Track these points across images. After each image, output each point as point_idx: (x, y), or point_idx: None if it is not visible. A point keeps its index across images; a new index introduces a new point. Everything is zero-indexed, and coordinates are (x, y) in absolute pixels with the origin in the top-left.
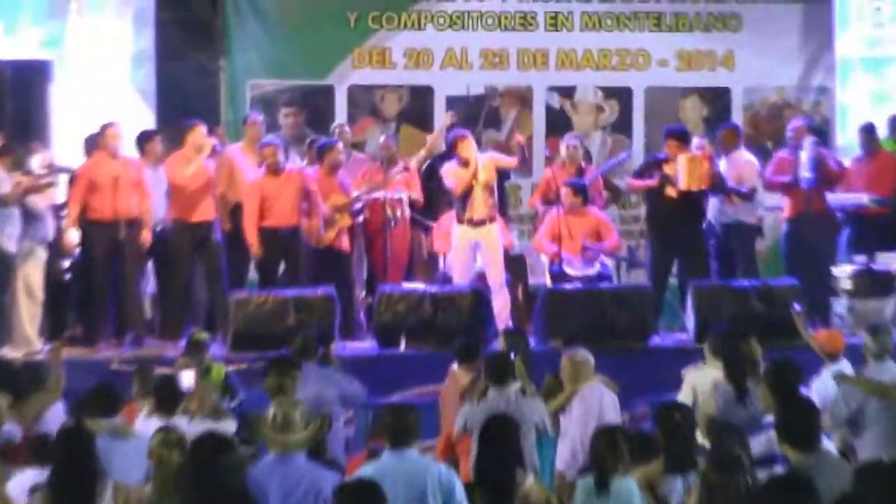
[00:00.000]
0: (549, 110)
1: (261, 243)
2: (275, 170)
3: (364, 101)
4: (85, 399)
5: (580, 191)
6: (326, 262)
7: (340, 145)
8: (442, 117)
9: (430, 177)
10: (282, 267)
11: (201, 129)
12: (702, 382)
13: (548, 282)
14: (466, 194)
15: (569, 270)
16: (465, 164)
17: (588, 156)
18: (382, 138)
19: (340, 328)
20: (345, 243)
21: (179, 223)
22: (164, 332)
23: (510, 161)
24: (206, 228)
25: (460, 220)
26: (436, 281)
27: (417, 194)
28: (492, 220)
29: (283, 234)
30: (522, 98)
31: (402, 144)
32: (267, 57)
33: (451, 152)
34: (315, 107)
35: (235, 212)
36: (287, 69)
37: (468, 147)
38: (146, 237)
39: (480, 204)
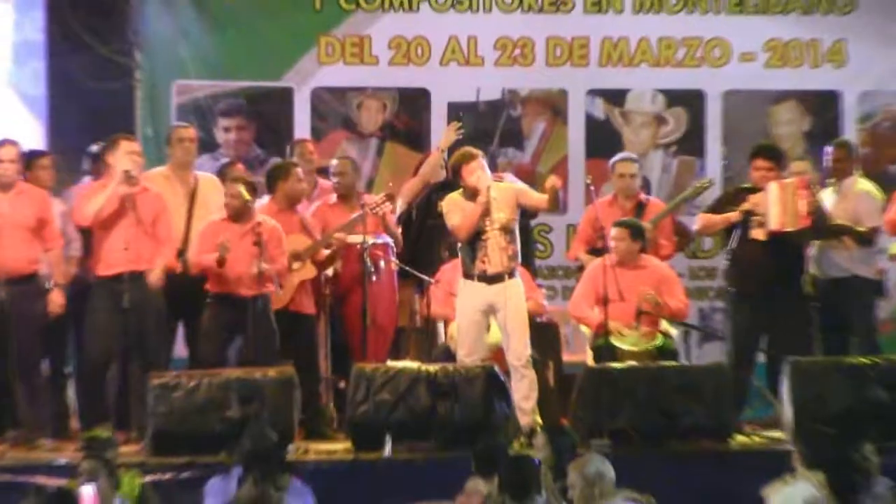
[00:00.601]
0: (591, 123)
1: (208, 309)
2: (240, 215)
3: (334, 110)
4: None
5: (637, 234)
6: (283, 330)
7: (300, 170)
8: (442, 132)
9: (427, 213)
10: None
11: (129, 145)
12: (790, 502)
13: (589, 360)
14: (476, 239)
15: (618, 344)
16: (471, 194)
17: (645, 185)
18: (335, 161)
19: (302, 423)
20: (307, 304)
21: (81, 280)
22: (61, 430)
23: (538, 199)
24: (122, 284)
25: (468, 275)
26: (434, 358)
27: (395, 235)
28: (511, 274)
29: (238, 303)
30: (553, 105)
31: (384, 169)
32: (199, 49)
33: (454, 180)
34: (266, 117)
35: None
36: (227, 66)
37: (476, 171)
38: (55, 301)
39: (495, 252)
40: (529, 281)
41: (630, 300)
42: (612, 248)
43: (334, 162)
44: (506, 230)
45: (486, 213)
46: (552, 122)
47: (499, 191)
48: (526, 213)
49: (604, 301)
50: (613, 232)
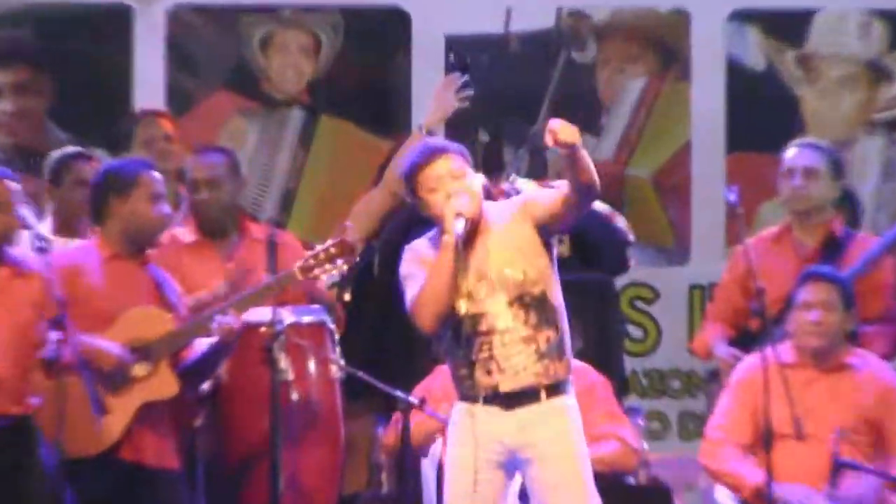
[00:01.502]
0: (739, 77)
1: None
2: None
3: (215, 52)
4: None
5: (850, 300)
6: (119, 497)
7: (157, 178)
8: (434, 93)
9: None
10: None
11: None
12: None
13: None
14: (467, 331)
15: None
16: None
17: (849, 202)
18: (191, 158)
19: None
20: (162, 449)
21: None
22: None
23: (552, 199)
24: None
25: (464, 394)
26: None
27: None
28: (554, 387)
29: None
30: (661, 43)
31: (316, 168)
32: None
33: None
34: (78, 69)
35: None
36: None
37: (441, 182)
38: None
39: (511, 350)
40: (608, 402)
41: (821, 434)
42: (798, 326)
43: (190, 159)
44: (526, 301)
45: (463, 266)
46: (658, 77)
47: (503, 210)
48: (592, 258)
49: (766, 440)
50: (806, 292)
